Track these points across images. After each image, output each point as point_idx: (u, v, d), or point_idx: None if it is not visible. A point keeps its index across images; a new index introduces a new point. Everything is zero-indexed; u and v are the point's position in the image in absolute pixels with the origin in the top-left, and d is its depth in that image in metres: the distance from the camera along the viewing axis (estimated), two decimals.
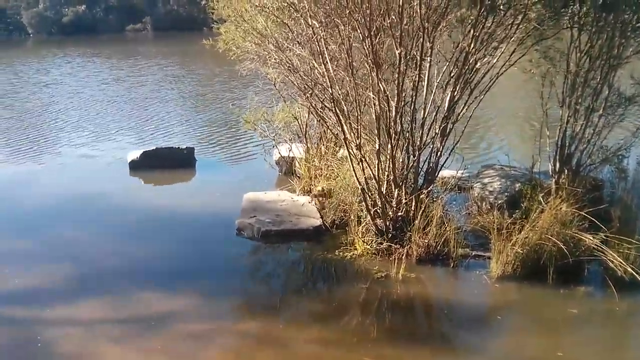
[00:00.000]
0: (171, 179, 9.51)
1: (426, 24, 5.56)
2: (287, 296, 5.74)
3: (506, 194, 6.95)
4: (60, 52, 34.22)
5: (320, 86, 6.25)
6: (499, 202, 6.89)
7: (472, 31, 5.71)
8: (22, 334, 4.99)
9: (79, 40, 43.29)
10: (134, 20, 53.54)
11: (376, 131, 6.02)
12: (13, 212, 7.89)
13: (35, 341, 4.84)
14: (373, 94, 5.84)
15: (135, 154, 9.75)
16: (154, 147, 9.91)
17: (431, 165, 6.25)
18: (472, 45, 5.76)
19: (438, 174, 6.42)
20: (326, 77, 5.91)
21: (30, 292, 5.70)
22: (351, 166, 6.13)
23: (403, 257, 5.93)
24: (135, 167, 9.67)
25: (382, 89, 5.77)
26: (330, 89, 5.89)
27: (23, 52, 37.54)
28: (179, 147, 10.05)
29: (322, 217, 6.94)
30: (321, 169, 7.53)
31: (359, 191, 6.26)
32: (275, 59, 6.69)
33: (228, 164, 10.25)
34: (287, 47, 6.41)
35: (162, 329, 5.02)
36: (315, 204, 7.37)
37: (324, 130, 7.80)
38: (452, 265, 5.91)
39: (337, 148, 7.72)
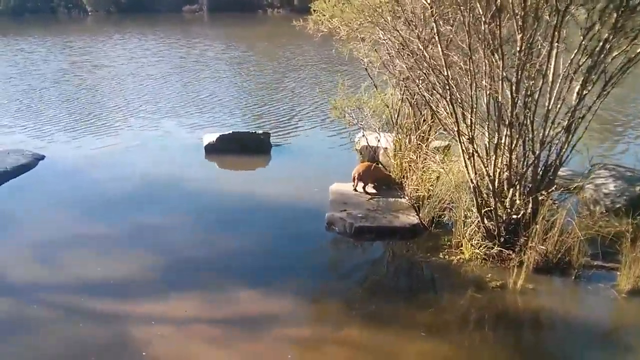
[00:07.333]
0: (248, 165, 9.12)
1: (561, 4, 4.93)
2: (391, 302, 5.16)
3: (624, 197, 6.30)
4: (123, 30, 34.50)
5: (430, 70, 5.66)
6: (617, 205, 6.26)
7: (614, 16, 5.02)
8: (109, 332, 4.62)
9: (137, 20, 43.60)
10: (190, 0, 53.70)
11: (492, 124, 5.44)
12: (92, 196, 7.56)
13: (125, 341, 4.48)
14: (491, 82, 5.25)
15: (211, 138, 9.40)
16: (231, 131, 9.54)
17: (552, 163, 5.59)
18: (611, 35, 5.08)
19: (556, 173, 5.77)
20: (441, 60, 5.33)
21: (115, 284, 5.34)
22: (463, 161, 5.55)
23: (518, 265, 5.35)
24: (211, 150, 9.34)
25: (504, 77, 5.17)
26: (445, 72, 5.30)
27: (87, 30, 38.00)
28: (255, 132, 9.69)
29: (418, 215, 6.43)
30: (415, 161, 6.94)
31: (466, 189, 5.72)
32: (386, 39, 6.15)
33: (302, 151, 9.76)
34: (398, 27, 5.86)
35: (261, 331, 4.61)
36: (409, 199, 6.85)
37: (418, 120, 7.22)
38: (573, 276, 5.29)
39: (429, 139, 7.13)
